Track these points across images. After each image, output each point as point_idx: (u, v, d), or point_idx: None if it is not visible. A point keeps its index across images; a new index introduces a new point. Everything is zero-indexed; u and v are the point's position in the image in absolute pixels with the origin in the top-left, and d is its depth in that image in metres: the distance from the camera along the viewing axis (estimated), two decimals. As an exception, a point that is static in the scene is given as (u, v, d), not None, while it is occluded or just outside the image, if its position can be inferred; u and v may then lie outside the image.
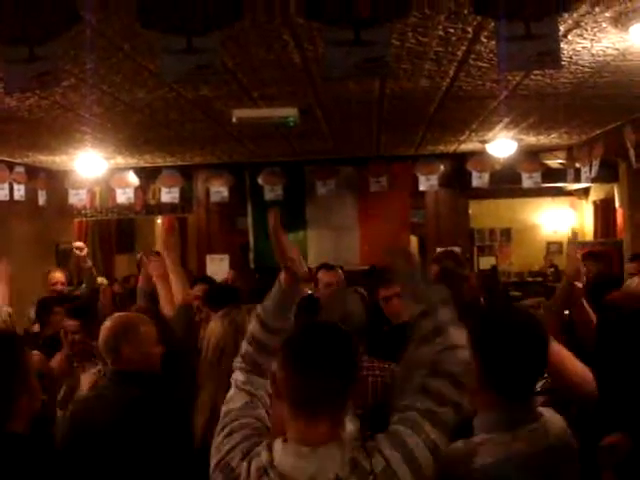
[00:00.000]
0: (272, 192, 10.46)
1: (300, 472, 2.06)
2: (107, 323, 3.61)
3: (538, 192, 12.33)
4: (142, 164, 10.58)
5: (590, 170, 9.39)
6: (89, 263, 7.98)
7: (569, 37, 4.69)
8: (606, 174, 10.39)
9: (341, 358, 2.16)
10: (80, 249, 7.85)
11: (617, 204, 12.03)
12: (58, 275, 8.46)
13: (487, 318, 2.60)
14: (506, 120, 7.81)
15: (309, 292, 8.97)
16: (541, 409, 2.53)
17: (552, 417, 2.52)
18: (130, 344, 3.50)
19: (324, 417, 2.12)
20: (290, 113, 6.84)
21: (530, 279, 15.48)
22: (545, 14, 3.23)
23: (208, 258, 11.30)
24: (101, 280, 10.75)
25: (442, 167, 10.24)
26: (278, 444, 2.14)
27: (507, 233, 16.47)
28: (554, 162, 10.68)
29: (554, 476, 2.38)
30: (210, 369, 3.48)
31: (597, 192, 13.52)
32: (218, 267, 10.98)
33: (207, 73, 3.40)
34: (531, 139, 9.07)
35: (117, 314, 3.78)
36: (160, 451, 3.27)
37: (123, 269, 14.53)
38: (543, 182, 10.39)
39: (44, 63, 3.48)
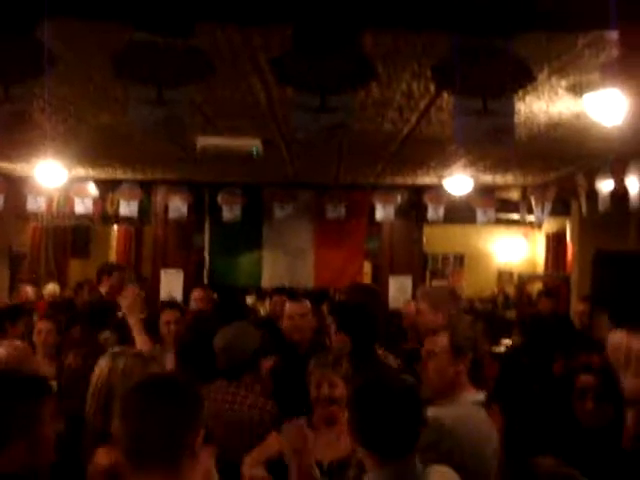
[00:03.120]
0: (230, 212, 10.50)
1: None
2: None
3: (493, 220, 12.51)
4: (103, 176, 10.56)
5: (542, 210, 9.62)
6: None
7: (526, 99, 4.88)
8: (559, 208, 10.63)
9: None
10: None
11: (568, 238, 12.30)
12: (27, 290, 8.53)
13: (361, 382, 2.84)
14: (463, 161, 7.99)
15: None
16: (432, 466, 2.73)
17: (440, 472, 2.72)
18: None
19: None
20: (254, 144, 6.94)
21: (480, 306, 15.65)
22: (503, 92, 3.37)
23: (163, 272, 11.29)
24: (53, 287, 10.77)
25: (399, 198, 10.39)
26: None
27: (460, 259, 16.68)
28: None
29: None
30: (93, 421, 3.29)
31: (550, 224, 13.75)
32: (172, 282, 11.01)
33: (174, 126, 3.49)
34: (487, 178, 9.27)
35: None
36: None
37: (76, 274, 14.51)
38: (497, 212, 10.60)
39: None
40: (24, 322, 6.79)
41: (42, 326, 6.45)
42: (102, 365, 3.42)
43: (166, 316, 6.16)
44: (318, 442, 3.74)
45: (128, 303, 4.60)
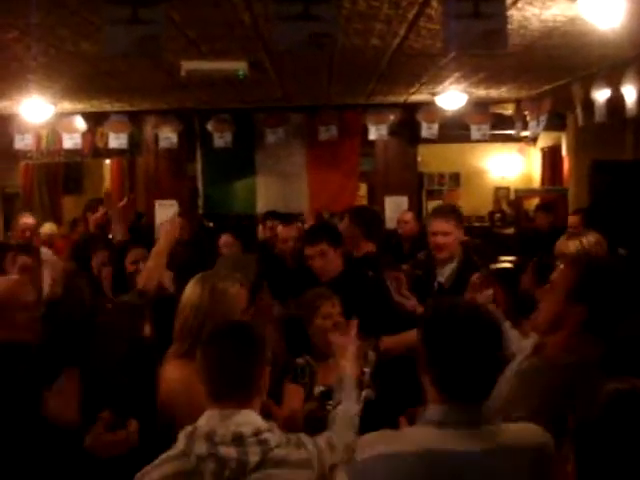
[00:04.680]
0: (221, 139, 10.37)
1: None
2: None
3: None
4: (90, 109, 10.37)
5: (538, 123, 9.48)
6: None
7: (519, 5, 4.70)
8: (554, 122, 10.48)
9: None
10: None
11: (564, 152, 12.19)
12: (28, 221, 8.31)
13: (435, 310, 2.47)
14: (456, 75, 7.82)
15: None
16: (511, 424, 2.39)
17: (516, 429, 2.36)
18: None
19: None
20: (239, 66, 6.76)
21: (477, 224, 15.59)
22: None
23: (157, 203, 11.19)
24: (49, 226, 10.67)
25: (392, 117, 10.24)
26: None
27: (456, 177, 16.54)
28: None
29: None
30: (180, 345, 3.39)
31: (545, 139, 13.63)
32: (167, 212, 10.90)
33: (151, 46, 3.35)
34: (481, 92, 9.10)
35: None
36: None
37: (71, 210, 14.38)
38: (492, 129, 10.46)
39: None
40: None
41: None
42: (191, 289, 3.48)
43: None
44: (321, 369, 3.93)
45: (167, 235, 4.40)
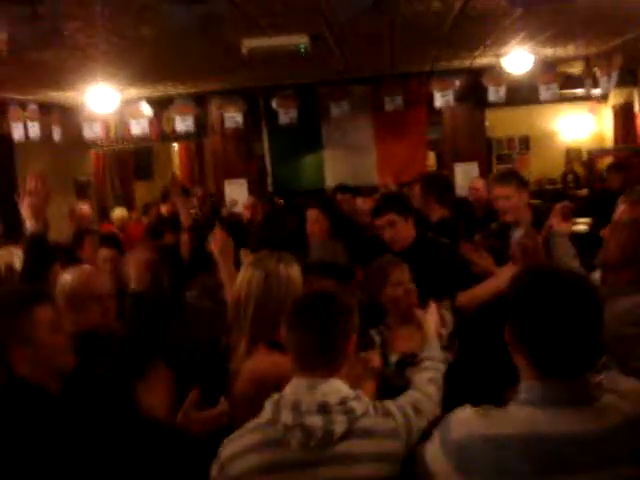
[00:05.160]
0: (286, 115, 10.34)
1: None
2: None
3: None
4: (155, 94, 10.47)
5: (609, 80, 9.21)
6: None
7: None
8: (625, 78, 10.17)
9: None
10: None
11: (636, 109, 11.84)
12: (85, 209, 8.49)
13: (531, 278, 2.19)
14: (521, 35, 7.63)
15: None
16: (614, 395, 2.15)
17: (621, 403, 2.11)
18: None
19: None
20: (301, 41, 6.71)
21: (549, 187, 15.31)
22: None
23: (226, 183, 11.28)
24: (120, 211, 10.84)
25: (457, 82, 10.07)
26: None
27: (525, 141, 16.25)
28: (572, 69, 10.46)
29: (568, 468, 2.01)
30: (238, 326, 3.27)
31: (616, 97, 13.25)
32: (237, 192, 10.99)
33: (211, 25, 3.32)
34: (547, 51, 8.87)
35: None
36: None
37: (142, 195, 14.60)
38: (561, 89, 10.20)
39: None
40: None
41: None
42: (243, 275, 3.34)
43: None
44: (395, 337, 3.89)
45: (219, 248, 4.33)
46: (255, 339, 3.15)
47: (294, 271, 3.31)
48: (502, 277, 3.93)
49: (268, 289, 3.22)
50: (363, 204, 7.15)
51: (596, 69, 9.63)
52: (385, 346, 3.86)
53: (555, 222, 4.13)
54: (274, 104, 10.39)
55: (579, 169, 15.54)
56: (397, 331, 3.91)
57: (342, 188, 8.32)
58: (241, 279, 3.34)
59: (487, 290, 4.11)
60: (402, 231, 4.79)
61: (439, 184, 6.17)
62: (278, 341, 2.82)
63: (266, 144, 11.32)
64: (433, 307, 3.44)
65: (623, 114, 13.23)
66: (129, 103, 10.45)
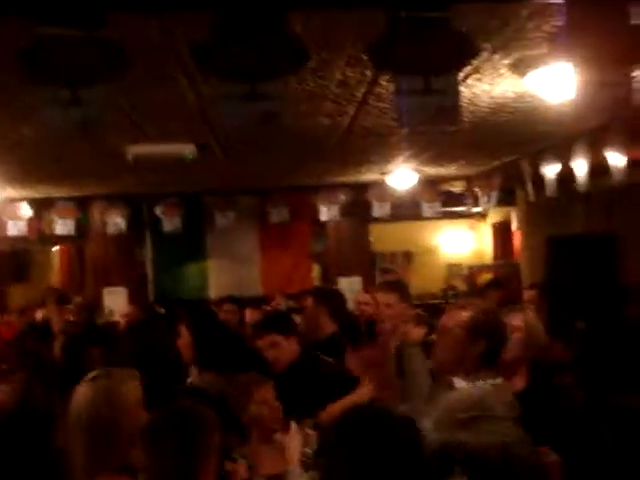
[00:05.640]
0: (170, 223, 10.18)
1: None
2: None
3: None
4: (35, 195, 10.16)
5: (488, 199, 9.48)
6: None
7: (468, 81, 4.67)
8: (504, 198, 10.51)
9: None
10: None
11: (514, 227, 12.25)
12: None
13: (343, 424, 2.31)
14: (406, 153, 7.79)
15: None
16: None
17: None
18: None
19: None
20: (187, 149, 6.64)
21: (431, 301, 15.49)
22: (446, 69, 3.14)
23: (105, 291, 10.91)
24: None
25: (343, 197, 10.18)
26: None
27: (408, 256, 16.51)
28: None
29: None
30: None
31: (495, 215, 13.73)
32: (116, 300, 10.64)
33: (94, 128, 3.18)
34: (431, 170, 9.09)
35: None
36: None
37: (19, 298, 14.03)
38: (443, 206, 10.46)
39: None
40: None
41: None
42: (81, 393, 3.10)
43: None
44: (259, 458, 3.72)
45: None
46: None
47: (126, 388, 3.06)
48: (359, 394, 4.06)
49: (96, 407, 2.98)
50: (250, 316, 7.04)
51: (477, 189, 9.92)
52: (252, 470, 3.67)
53: (408, 328, 4.17)
54: (158, 211, 10.22)
55: (460, 284, 15.84)
56: (261, 452, 3.74)
57: (228, 299, 8.17)
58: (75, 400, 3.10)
59: (345, 406, 4.03)
60: (285, 350, 4.66)
61: (332, 298, 6.15)
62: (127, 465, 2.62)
63: (149, 251, 11.10)
64: (294, 429, 3.34)
65: (501, 231, 13.67)
66: (7, 203, 10.09)
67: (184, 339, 5.26)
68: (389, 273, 15.93)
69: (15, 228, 10.33)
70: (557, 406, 3.67)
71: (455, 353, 3.30)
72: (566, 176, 7.40)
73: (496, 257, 14.42)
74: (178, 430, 2.41)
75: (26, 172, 8.13)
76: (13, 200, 10.15)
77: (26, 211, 10.34)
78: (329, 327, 5.83)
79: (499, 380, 3.25)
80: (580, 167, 7.06)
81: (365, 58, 4.05)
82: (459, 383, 3.20)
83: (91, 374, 3.18)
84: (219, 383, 4.54)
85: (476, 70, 4.43)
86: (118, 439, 2.81)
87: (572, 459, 3.25)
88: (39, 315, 9.47)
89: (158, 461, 2.37)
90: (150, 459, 2.39)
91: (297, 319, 6.24)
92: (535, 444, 2.86)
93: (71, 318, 8.65)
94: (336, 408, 4.08)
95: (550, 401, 3.68)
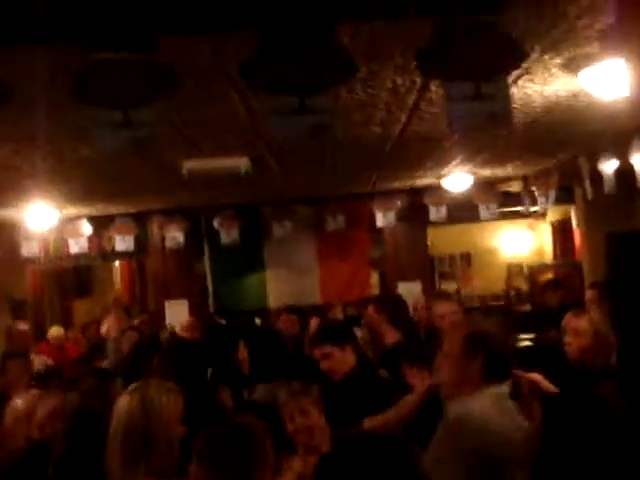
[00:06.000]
0: (228, 235, 10.27)
1: None
2: None
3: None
4: (95, 213, 10.34)
5: (546, 198, 9.37)
6: None
7: (519, 82, 4.63)
8: (562, 196, 10.38)
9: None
10: None
11: (574, 225, 12.06)
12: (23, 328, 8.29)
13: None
14: (460, 157, 7.74)
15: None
16: None
17: None
18: None
19: None
20: (241, 162, 6.70)
21: (493, 303, 15.36)
22: (495, 73, 3.12)
23: (167, 304, 11.07)
24: (56, 329, 10.55)
25: (399, 203, 10.16)
26: None
27: (467, 258, 16.39)
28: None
29: None
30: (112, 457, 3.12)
31: (554, 213, 13.54)
32: (178, 312, 10.77)
33: (147, 147, 3.24)
34: (486, 172, 9.01)
35: None
36: None
37: (82, 314, 14.29)
38: (500, 207, 10.37)
39: None
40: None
41: None
42: (121, 402, 3.23)
43: None
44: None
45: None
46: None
47: (166, 400, 3.15)
48: (402, 405, 3.98)
49: (133, 416, 3.10)
50: (314, 324, 7.14)
51: (534, 188, 9.80)
52: None
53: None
54: (216, 224, 10.32)
55: (521, 284, 15.67)
56: (309, 464, 3.73)
57: (287, 309, 8.24)
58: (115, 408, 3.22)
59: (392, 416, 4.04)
60: (339, 361, 4.65)
61: (393, 305, 6.08)
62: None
63: (207, 263, 11.21)
64: None
65: (561, 230, 13.48)
66: (68, 221, 10.28)
67: (242, 353, 5.35)
68: (447, 278, 15.90)
69: (76, 246, 10.52)
70: (593, 417, 3.64)
71: (457, 372, 3.34)
72: (624, 172, 7.29)
73: (556, 256, 14.24)
74: (234, 444, 2.43)
75: (85, 191, 8.28)
76: (73, 218, 10.35)
77: (86, 229, 10.53)
78: (392, 336, 5.76)
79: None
80: (638, 163, 6.93)
81: (413, 67, 4.06)
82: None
83: (133, 385, 3.29)
84: (271, 395, 4.62)
85: (527, 71, 4.38)
86: (154, 449, 2.88)
87: (604, 471, 3.24)
88: (104, 329, 9.60)
89: (214, 475, 2.39)
90: (206, 473, 2.42)
91: (356, 330, 6.23)
92: (565, 454, 2.89)
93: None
94: (378, 420, 4.08)
95: (587, 411, 3.65)
